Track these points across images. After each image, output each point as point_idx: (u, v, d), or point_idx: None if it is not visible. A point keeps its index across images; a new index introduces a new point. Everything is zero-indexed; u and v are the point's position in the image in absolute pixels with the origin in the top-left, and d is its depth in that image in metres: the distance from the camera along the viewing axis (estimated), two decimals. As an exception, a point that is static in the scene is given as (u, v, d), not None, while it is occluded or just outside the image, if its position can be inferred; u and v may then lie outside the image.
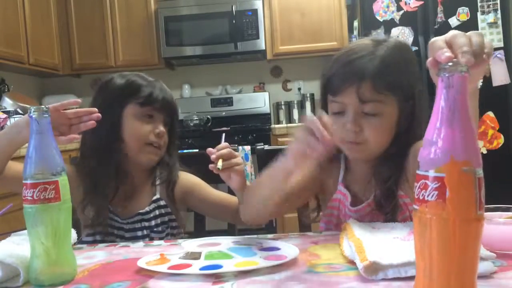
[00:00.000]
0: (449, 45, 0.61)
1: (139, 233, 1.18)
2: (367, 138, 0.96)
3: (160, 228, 1.19)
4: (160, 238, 1.18)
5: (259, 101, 4.00)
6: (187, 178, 1.25)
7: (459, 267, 0.51)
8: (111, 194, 1.18)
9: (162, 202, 1.21)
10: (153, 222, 1.19)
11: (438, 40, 0.61)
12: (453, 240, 0.50)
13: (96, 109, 1.06)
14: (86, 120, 1.05)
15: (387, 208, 0.97)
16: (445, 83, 0.51)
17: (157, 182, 1.22)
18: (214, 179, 1.63)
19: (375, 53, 0.96)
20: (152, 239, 1.18)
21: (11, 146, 1.08)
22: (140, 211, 1.19)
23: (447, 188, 0.49)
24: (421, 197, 0.51)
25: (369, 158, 1.02)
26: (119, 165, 1.18)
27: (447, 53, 0.57)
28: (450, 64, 0.52)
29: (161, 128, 1.18)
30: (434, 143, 0.50)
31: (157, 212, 1.20)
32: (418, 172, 0.52)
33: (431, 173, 0.50)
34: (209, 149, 1.00)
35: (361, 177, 1.05)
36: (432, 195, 0.50)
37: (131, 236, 1.18)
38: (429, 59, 0.61)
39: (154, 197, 1.21)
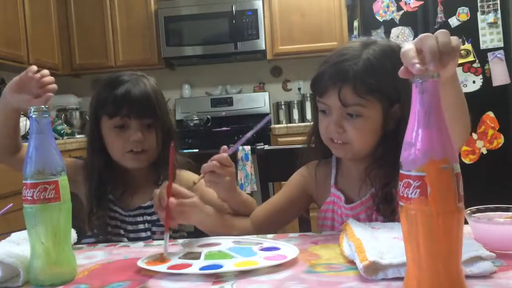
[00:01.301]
0: (419, 50, 0.62)
1: (141, 226, 1.19)
2: (350, 139, 0.98)
3: (162, 222, 1.20)
4: (162, 232, 1.19)
5: (259, 101, 4.00)
6: (193, 179, 1.25)
7: (444, 255, 0.54)
8: (113, 190, 1.20)
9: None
10: (154, 216, 1.20)
11: (409, 51, 0.62)
12: (436, 232, 0.54)
13: (46, 72, 1.11)
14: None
15: (385, 211, 0.98)
16: (419, 89, 0.55)
17: (160, 182, 1.22)
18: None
19: (359, 56, 0.96)
20: (154, 232, 1.19)
21: (7, 120, 1.14)
22: (142, 204, 1.20)
23: (427, 186, 0.53)
24: (405, 195, 0.56)
25: (356, 158, 1.03)
26: (116, 164, 1.20)
27: (418, 65, 0.59)
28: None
29: (138, 135, 1.15)
30: (413, 144, 0.55)
31: None
32: (401, 171, 0.56)
33: (413, 173, 0.55)
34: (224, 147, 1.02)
35: (354, 178, 1.06)
36: (415, 193, 0.54)
37: (134, 228, 1.19)
38: (400, 70, 0.63)
39: None
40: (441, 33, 0.64)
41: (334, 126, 0.98)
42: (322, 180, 1.11)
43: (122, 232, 1.19)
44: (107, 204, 1.19)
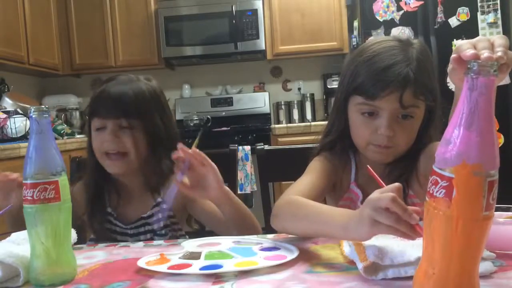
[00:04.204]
0: (474, 47, 0.61)
1: (142, 237, 1.17)
2: (398, 142, 0.97)
3: (163, 231, 1.18)
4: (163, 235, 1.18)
5: (259, 101, 4.00)
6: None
7: (458, 260, 0.53)
8: (108, 199, 1.19)
9: (164, 205, 1.19)
10: (155, 226, 1.18)
11: (464, 43, 0.61)
12: (455, 237, 0.52)
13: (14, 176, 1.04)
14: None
15: None
16: (469, 84, 0.50)
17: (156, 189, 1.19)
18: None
19: (411, 56, 0.95)
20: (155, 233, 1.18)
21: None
22: (143, 215, 1.18)
23: (454, 189, 0.51)
24: (431, 191, 0.53)
25: (391, 160, 1.02)
26: (106, 172, 1.18)
27: (472, 50, 0.57)
28: (478, 63, 0.50)
29: (108, 136, 1.11)
30: (450, 143, 0.51)
31: (160, 215, 1.18)
32: (433, 166, 0.54)
33: (442, 172, 0.52)
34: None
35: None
36: (440, 192, 0.52)
37: (135, 240, 1.17)
38: (454, 56, 0.61)
39: (157, 200, 1.19)
40: (499, 37, 0.63)
41: (387, 130, 0.95)
42: (344, 171, 1.08)
43: None
44: (105, 218, 1.17)
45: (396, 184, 0.67)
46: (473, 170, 0.50)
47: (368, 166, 0.80)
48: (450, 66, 0.68)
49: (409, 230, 0.63)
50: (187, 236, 1.27)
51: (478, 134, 0.50)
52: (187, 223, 1.27)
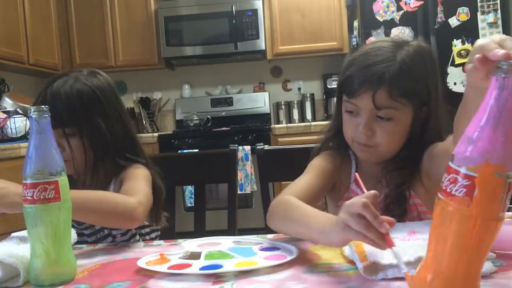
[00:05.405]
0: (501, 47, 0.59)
1: (100, 234, 1.16)
2: (378, 142, 0.97)
3: (122, 230, 1.15)
4: (123, 234, 1.16)
5: (259, 101, 4.00)
6: (128, 171, 1.15)
7: (468, 259, 0.53)
8: None
9: None
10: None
11: (489, 42, 0.59)
12: (469, 236, 0.51)
13: None
14: None
15: (395, 211, 0.97)
16: (499, 83, 0.50)
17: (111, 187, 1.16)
18: (211, 179, 1.63)
19: (394, 58, 0.94)
20: (114, 237, 1.16)
21: None
22: None
23: (476, 188, 0.50)
24: (448, 190, 0.52)
25: (379, 161, 1.02)
26: None
27: (502, 50, 0.56)
28: (508, 63, 0.50)
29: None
30: (473, 141, 0.51)
31: None
32: (450, 164, 0.53)
33: (464, 170, 0.51)
34: None
35: (372, 176, 1.04)
36: (460, 191, 0.51)
37: (93, 240, 1.15)
38: (478, 56, 0.59)
39: None
40: None
41: (364, 128, 0.95)
42: (344, 171, 1.08)
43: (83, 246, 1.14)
44: None
45: (372, 191, 0.67)
46: (496, 171, 0.50)
47: (356, 173, 0.81)
48: (470, 65, 0.65)
49: (378, 239, 0.63)
50: (159, 226, 1.23)
51: (503, 134, 0.50)
52: (155, 220, 1.20)
